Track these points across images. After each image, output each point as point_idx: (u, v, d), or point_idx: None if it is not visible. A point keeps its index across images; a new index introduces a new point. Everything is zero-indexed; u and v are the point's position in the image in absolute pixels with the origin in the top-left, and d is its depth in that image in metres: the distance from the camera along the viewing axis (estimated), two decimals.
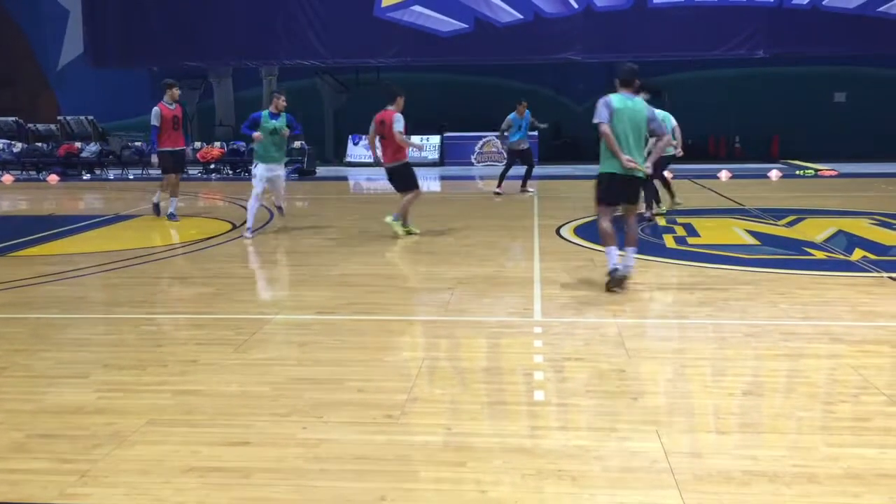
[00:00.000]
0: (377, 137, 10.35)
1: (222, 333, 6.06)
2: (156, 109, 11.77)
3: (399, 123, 10.08)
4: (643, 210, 10.94)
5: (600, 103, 7.11)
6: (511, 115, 15.49)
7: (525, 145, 15.84)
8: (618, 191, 7.21)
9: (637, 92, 7.42)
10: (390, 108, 10.20)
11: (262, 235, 11.07)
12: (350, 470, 3.72)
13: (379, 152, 10.53)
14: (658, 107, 9.54)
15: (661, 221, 11.67)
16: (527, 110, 15.56)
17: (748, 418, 4.30)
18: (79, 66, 24.39)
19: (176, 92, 12.04)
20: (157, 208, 12.65)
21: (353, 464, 3.78)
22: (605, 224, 7.24)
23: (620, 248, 7.26)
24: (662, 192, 12.35)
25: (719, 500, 3.37)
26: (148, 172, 21.52)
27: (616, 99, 7.12)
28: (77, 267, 8.83)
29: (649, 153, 7.72)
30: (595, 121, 7.16)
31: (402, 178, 10.43)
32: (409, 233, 10.48)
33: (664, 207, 12.37)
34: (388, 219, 10.43)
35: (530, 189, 16.08)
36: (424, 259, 9.06)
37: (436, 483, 3.60)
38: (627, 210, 7.39)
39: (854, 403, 4.46)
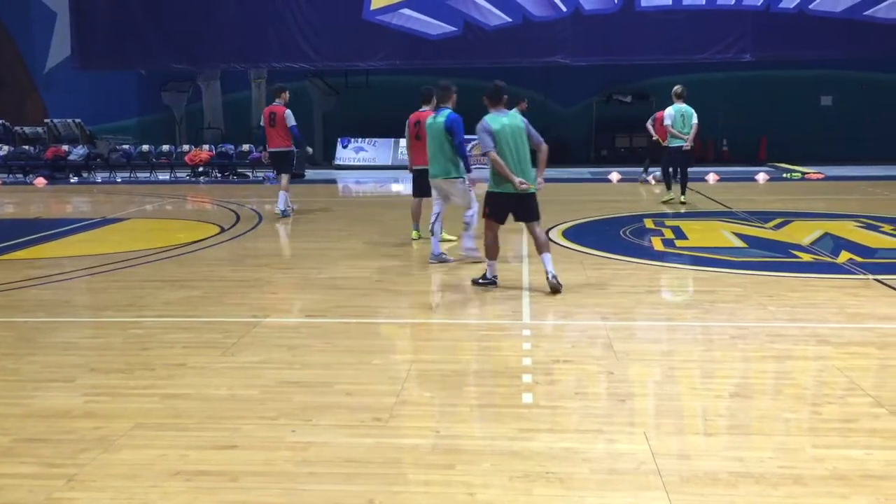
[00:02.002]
0: (410, 139, 9.94)
1: (210, 337, 6.05)
2: (290, 111, 12.55)
3: None
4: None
5: (480, 131, 7.23)
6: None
7: None
8: (507, 209, 7.41)
9: (508, 106, 7.53)
10: (426, 108, 9.70)
11: (249, 239, 11.04)
12: (339, 473, 3.72)
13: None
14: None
15: (664, 208, 13.25)
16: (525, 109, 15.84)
17: (735, 420, 4.32)
18: (66, 69, 24.24)
19: (287, 95, 12.82)
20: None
21: (341, 467, 3.78)
22: (490, 238, 7.44)
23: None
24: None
25: (706, 501, 3.39)
26: (136, 175, 21.46)
27: (492, 121, 7.24)
28: (64, 270, 8.79)
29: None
30: (483, 151, 7.29)
31: None
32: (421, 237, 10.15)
33: (668, 197, 13.80)
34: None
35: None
36: (413, 262, 9.06)
37: (424, 486, 3.60)
38: (529, 226, 7.53)
39: (840, 405, 4.49)
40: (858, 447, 3.92)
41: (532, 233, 7.52)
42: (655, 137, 15.79)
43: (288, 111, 12.58)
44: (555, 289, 7.24)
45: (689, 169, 13.59)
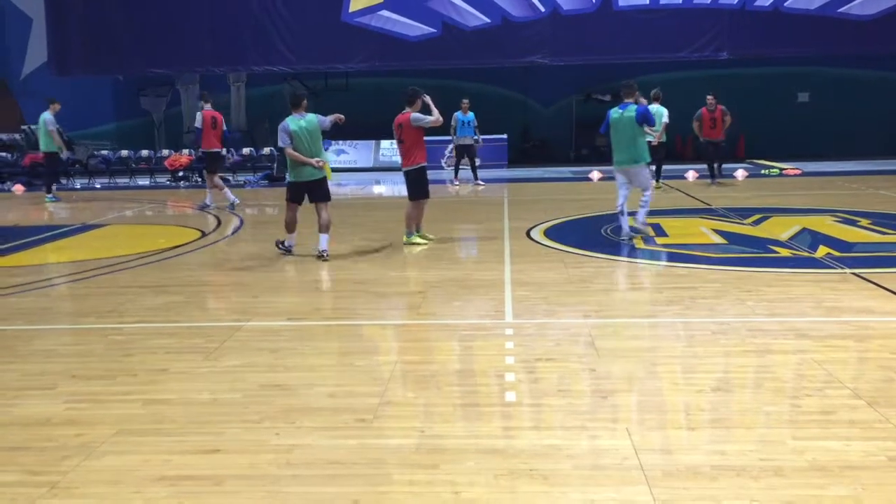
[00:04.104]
0: (397, 142, 10.02)
1: (193, 342, 6.03)
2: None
3: (417, 121, 9.64)
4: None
5: (280, 131, 9.12)
6: (456, 113, 17.15)
7: (469, 141, 17.66)
8: (301, 192, 9.35)
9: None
10: (408, 110, 9.76)
11: (231, 243, 11.01)
12: (323, 475, 3.72)
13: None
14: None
15: None
16: (470, 110, 17.46)
17: (716, 414, 4.36)
18: (43, 75, 23.97)
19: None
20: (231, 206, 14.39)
21: (325, 469, 3.78)
22: (290, 216, 9.47)
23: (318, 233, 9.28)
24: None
25: (688, 494, 3.42)
26: (115, 181, 21.30)
27: (291, 122, 9.10)
28: (43, 278, 8.72)
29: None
30: (280, 146, 9.28)
31: (415, 183, 9.96)
32: (426, 239, 10.13)
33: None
34: (413, 238, 10.08)
35: (479, 182, 17.86)
36: (395, 263, 9.06)
37: (409, 486, 3.61)
38: (319, 206, 9.34)
39: (819, 397, 4.55)
40: (837, 438, 3.97)
41: (318, 212, 9.34)
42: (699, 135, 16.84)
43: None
44: (321, 258, 9.12)
45: (667, 167, 14.01)
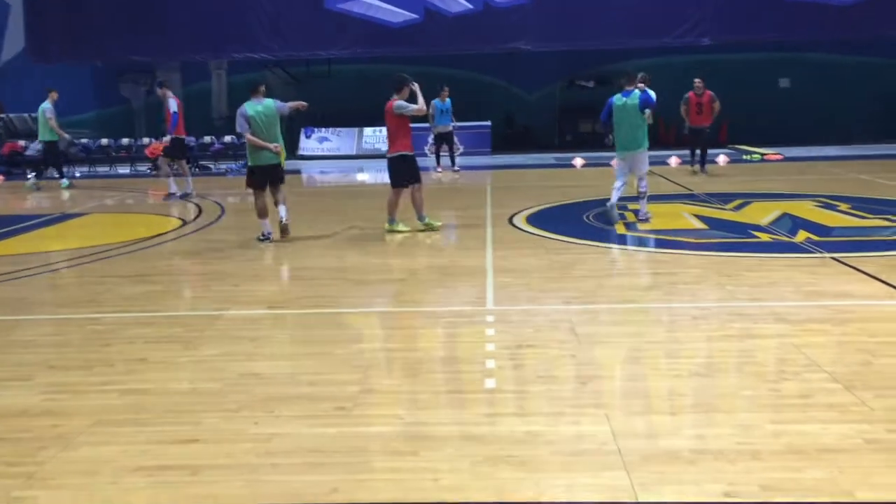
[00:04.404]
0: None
1: (172, 331, 5.99)
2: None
3: (399, 109, 9.54)
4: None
5: (238, 116, 9.35)
6: (434, 101, 17.02)
7: (448, 129, 17.82)
8: (263, 177, 9.57)
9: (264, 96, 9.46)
10: (395, 97, 9.63)
11: (211, 232, 10.94)
12: (302, 463, 3.71)
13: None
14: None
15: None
16: (448, 97, 17.52)
17: (696, 399, 4.38)
18: (21, 62, 23.67)
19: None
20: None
21: (305, 457, 3.77)
22: (260, 203, 9.59)
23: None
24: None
25: (665, 478, 3.43)
26: (95, 170, 21.10)
27: (249, 108, 9.34)
28: (22, 267, 8.62)
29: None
30: (238, 131, 9.60)
31: (396, 170, 9.82)
32: (432, 226, 9.98)
33: None
34: (420, 225, 9.96)
35: (457, 168, 18.13)
36: (376, 251, 9.04)
37: (389, 473, 3.61)
38: (276, 188, 9.61)
39: (798, 381, 4.57)
40: (815, 422, 3.99)
41: (274, 193, 9.61)
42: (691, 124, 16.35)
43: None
44: (284, 230, 9.52)
45: (650, 153, 13.78)
